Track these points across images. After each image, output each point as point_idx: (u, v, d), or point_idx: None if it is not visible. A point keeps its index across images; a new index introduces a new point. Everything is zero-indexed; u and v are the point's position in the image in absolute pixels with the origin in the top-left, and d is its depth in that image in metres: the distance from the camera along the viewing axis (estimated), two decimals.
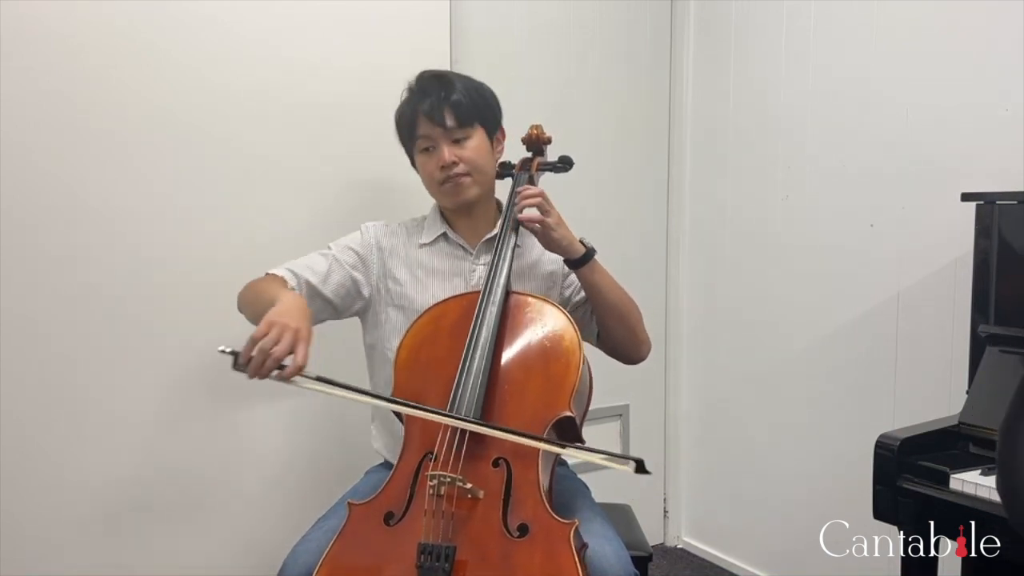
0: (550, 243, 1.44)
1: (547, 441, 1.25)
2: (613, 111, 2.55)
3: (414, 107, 1.48)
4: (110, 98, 1.72)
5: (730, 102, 2.51)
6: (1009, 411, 0.91)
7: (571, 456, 1.26)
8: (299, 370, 1.19)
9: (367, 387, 1.57)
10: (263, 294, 1.36)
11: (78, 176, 1.70)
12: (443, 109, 1.44)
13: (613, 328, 1.52)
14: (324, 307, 1.49)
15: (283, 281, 1.44)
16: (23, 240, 1.66)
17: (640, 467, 1.17)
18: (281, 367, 1.19)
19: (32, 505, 1.69)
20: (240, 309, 1.46)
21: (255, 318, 1.38)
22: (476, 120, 1.49)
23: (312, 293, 1.46)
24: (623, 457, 1.19)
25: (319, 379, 1.22)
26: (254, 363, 1.18)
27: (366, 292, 1.53)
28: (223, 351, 1.19)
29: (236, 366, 1.19)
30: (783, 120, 2.34)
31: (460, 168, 1.47)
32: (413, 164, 1.55)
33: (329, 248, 1.53)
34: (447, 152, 1.46)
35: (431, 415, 1.26)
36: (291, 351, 1.18)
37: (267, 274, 1.47)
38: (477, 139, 1.49)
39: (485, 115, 1.51)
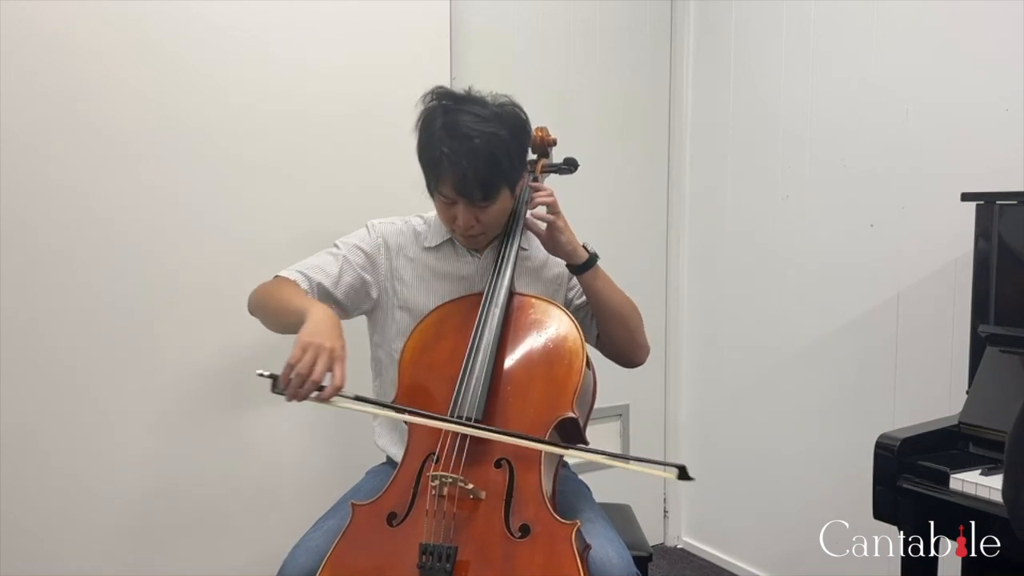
0: (555, 247, 1.44)
1: (591, 451, 1.24)
2: (613, 111, 2.55)
3: (438, 163, 1.34)
4: (113, 99, 1.73)
5: (730, 102, 2.51)
6: (1016, 429, 0.91)
7: (597, 461, 1.26)
8: (337, 391, 1.19)
9: (371, 385, 1.58)
10: (285, 302, 1.34)
11: (81, 177, 1.70)
12: (471, 187, 1.33)
13: (613, 332, 1.51)
14: (334, 309, 1.44)
15: (296, 285, 1.41)
16: (26, 242, 1.66)
17: (683, 474, 1.16)
18: (319, 388, 1.19)
19: (33, 507, 1.69)
20: (253, 312, 1.44)
21: (276, 326, 1.38)
22: (503, 186, 1.38)
23: (324, 295, 1.44)
24: (664, 464, 1.20)
25: (357, 398, 1.23)
26: (292, 387, 1.18)
27: (374, 293, 1.51)
28: (262, 375, 1.19)
29: (275, 389, 1.19)
30: (783, 120, 2.34)
31: (476, 230, 1.41)
32: (430, 192, 1.44)
33: (338, 247, 1.50)
34: (465, 217, 1.38)
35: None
36: (329, 371, 1.18)
37: (276, 277, 1.44)
38: (500, 203, 1.39)
39: (512, 177, 1.40)
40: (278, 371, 1.19)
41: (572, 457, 1.28)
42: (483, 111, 1.36)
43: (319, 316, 1.25)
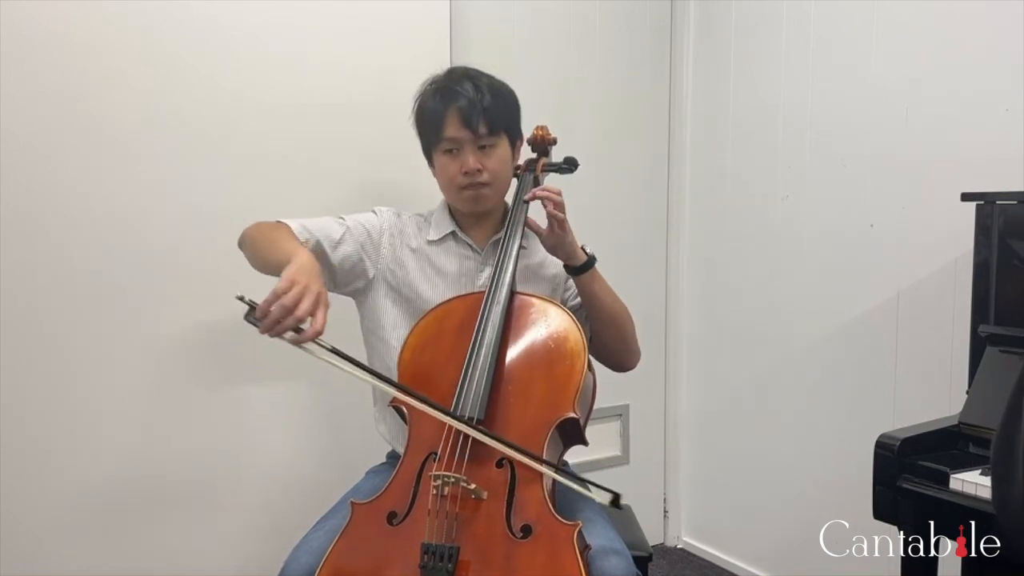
0: (556, 246, 1.44)
1: (543, 462, 1.25)
2: (613, 111, 2.55)
3: (445, 105, 1.43)
4: (113, 99, 1.72)
5: (730, 102, 2.52)
6: (1004, 421, 0.91)
7: (559, 478, 1.27)
8: (317, 335, 1.15)
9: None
10: (277, 241, 1.32)
11: (81, 177, 1.70)
12: (478, 115, 1.41)
13: (606, 336, 1.51)
14: (324, 273, 1.40)
15: (293, 233, 1.39)
16: (25, 242, 1.66)
17: (615, 501, 1.20)
18: (298, 330, 1.15)
19: (31, 505, 1.69)
20: (242, 244, 1.43)
21: (260, 263, 1.36)
22: (503, 129, 1.46)
23: (319, 253, 1.41)
24: (603, 489, 1.21)
25: (334, 351, 1.18)
26: (271, 318, 1.13)
27: (371, 274, 1.50)
28: (241, 298, 1.14)
29: (249, 317, 1.14)
30: (783, 119, 2.34)
31: (484, 177, 1.45)
32: (429, 160, 1.52)
33: (343, 218, 1.50)
34: (473, 159, 1.43)
35: (432, 410, 1.25)
36: (311, 314, 1.14)
37: (278, 221, 1.42)
38: (502, 149, 1.47)
39: (512, 124, 1.49)
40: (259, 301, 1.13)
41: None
42: (482, 71, 1.50)
43: (308, 259, 1.23)
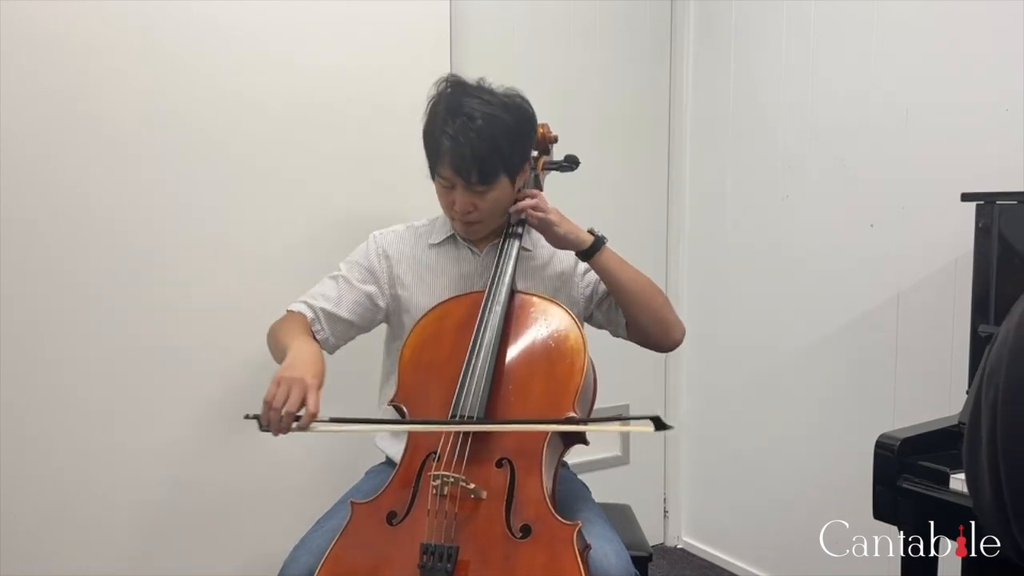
0: (556, 239, 1.45)
1: (556, 421, 1.26)
2: (613, 111, 2.55)
3: (440, 142, 1.37)
4: (114, 99, 1.72)
5: (730, 102, 2.51)
6: (968, 425, 0.92)
7: (587, 430, 1.30)
8: (312, 418, 1.22)
9: (377, 385, 1.61)
10: (279, 341, 1.39)
11: (81, 177, 1.70)
12: (468, 167, 1.36)
13: (639, 316, 1.51)
14: (348, 328, 1.50)
15: (301, 317, 1.45)
16: (25, 242, 1.65)
17: (659, 424, 1.16)
18: (298, 418, 1.22)
19: (31, 505, 1.69)
20: (270, 351, 1.48)
21: (279, 362, 1.41)
22: (502, 172, 1.40)
23: (331, 319, 1.47)
24: (639, 418, 1.19)
25: (332, 420, 1.26)
26: (272, 422, 1.22)
27: (382, 303, 1.53)
28: (248, 416, 1.24)
29: (261, 428, 1.24)
30: (783, 120, 2.34)
31: (474, 217, 1.44)
32: (432, 176, 1.49)
33: (339, 269, 1.53)
34: (463, 201, 1.41)
35: (442, 427, 1.28)
36: (302, 402, 1.21)
37: (287, 312, 1.48)
38: (498, 190, 1.42)
39: (511, 162, 1.42)
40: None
41: (563, 428, 1.29)
42: (489, 97, 1.40)
43: (295, 351, 1.30)
